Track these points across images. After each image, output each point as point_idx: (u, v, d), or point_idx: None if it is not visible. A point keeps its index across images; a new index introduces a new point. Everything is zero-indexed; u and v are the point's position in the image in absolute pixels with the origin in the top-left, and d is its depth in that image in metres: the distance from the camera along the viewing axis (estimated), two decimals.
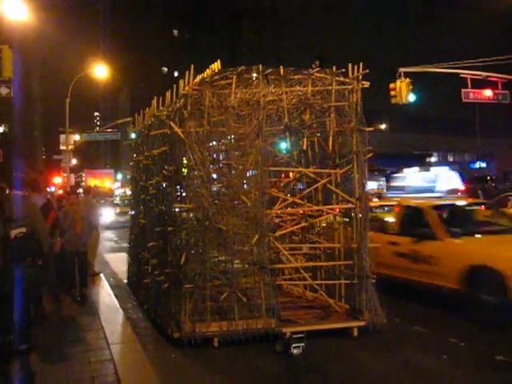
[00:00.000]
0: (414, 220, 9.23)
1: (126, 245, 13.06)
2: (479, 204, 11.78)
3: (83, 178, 66.97)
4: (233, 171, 7.27)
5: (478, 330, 7.20)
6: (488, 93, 23.11)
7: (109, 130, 40.44)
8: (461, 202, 10.66)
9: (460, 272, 7.63)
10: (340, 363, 6.15)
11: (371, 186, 37.51)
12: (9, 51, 16.36)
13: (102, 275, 11.50)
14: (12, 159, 35.02)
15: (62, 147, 34.11)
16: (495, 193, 22.72)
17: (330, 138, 7.73)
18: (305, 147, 8.42)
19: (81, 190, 20.56)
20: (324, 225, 8.41)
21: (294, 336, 6.30)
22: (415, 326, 7.37)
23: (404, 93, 21.10)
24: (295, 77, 7.41)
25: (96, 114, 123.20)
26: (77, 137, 36.18)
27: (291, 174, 9.03)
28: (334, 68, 7.48)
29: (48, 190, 51.10)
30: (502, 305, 7.09)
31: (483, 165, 54.50)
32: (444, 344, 6.59)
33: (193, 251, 6.76)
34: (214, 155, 7.79)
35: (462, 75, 22.06)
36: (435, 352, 6.36)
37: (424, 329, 7.27)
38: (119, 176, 75.51)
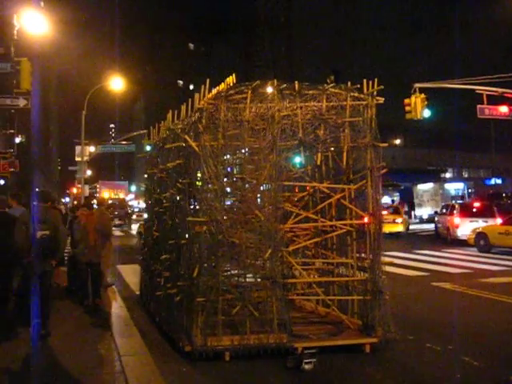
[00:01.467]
0: None
1: (138, 256, 13.08)
2: None
3: (97, 190, 67.62)
4: (247, 185, 7.30)
5: (492, 349, 7.11)
6: (504, 109, 22.99)
7: (124, 142, 40.89)
8: None
9: None
10: (352, 380, 6.09)
11: (385, 200, 37.49)
12: (28, 64, 16.66)
13: (114, 287, 11.54)
14: (28, 169, 35.34)
15: (78, 158, 34.40)
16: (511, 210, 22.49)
17: (344, 154, 7.72)
18: (319, 162, 8.42)
19: (95, 201, 20.54)
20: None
21: (306, 351, 6.25)
22: (428, 343, 7.29)
23: (419, 108, 21.08)
24: (310, 92, 7.41)
25: (111, 125, 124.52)
26: (92, 148, 36.47)
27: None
28: (349, 83, 7.50)
29: (63, 200, 51.56)
30: None
31: (499, 181, 54.11)
32: (457, 362, 6.50)
33: (205, 264, 6.76)
34: (228, 169, 7.81)
35: (477, 91, 22.00)
36: (448, 371, 6.28)
37: (437, 346, 7.18)
38: (133, 188, 76.09)
